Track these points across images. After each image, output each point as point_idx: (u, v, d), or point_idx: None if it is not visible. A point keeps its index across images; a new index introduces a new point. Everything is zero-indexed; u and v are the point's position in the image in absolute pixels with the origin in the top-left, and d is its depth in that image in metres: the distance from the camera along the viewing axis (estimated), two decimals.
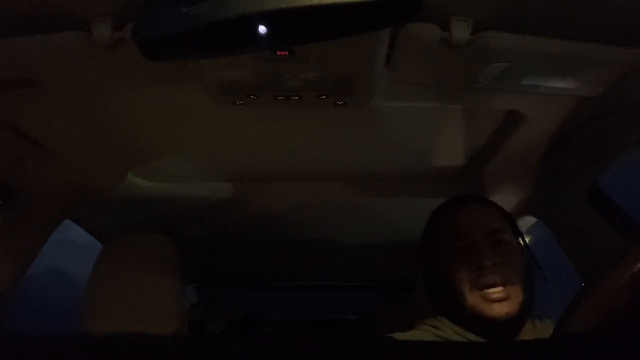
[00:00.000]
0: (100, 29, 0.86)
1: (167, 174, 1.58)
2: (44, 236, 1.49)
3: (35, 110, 1.14)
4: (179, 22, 0.71)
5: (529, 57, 0.93)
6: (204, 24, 0.70)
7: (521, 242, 1.17)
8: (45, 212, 1.46)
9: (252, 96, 1.06)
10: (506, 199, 1.59)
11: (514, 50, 0.91)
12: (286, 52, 0.91)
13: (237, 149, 1.45)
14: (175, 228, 1.67)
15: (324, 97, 1.06)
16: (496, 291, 1.05)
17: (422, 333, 1.12)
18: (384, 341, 0.97)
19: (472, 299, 1.07)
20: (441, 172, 1.56)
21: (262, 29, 0.71)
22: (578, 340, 0.69)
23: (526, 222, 1.70)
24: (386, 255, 2.16)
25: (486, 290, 1.05)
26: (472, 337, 1.08)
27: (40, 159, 1.29)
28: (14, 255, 1.39)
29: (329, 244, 2.12)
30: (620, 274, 0.78)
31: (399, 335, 1.10)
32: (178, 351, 0.58)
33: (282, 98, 1.06)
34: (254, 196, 1.69)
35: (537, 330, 1.12)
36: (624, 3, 0.86)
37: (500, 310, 1.05)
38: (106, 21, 0.85)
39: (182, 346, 0.60)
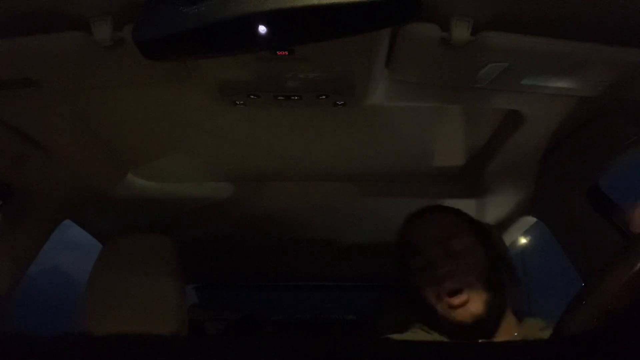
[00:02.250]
0: (100, 29, 0.86)
1: (167, 174, 1.58)
2: (44, 236, 1.49)
3: (35, 110, 1.14)
4: (179, 22, 0.71)
5: (529, 57, 0.93)
6: (204, 24, 0.70)
7: (484, 243, 1.19)
8: (45, 212, 1.46)
9: (252, 96, 1.06)
10: (506, 199, 1.59)
11: (514, 50, 0.91)
12: (286, 52, 0.91)
13: (237, 149, 1.45)
14: (175, 228, 1.66)
15: (324, 97, 1.06)
16: (457, 298, 1.09)
17: (415, 335, 1.13)
18: (382, 342, 0.97)
19: (440, 308, 1.12)
20: (441, 172, 1.56)
21: (262, 29, 0.71)
22: (578, 340, 0.69)
23: (526, 222, 1.70)
24: (386, 255, 2.16)
25: (448, 298, 1.09)
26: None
27: (40, 159, 1.29)
28: (14, 255, 1.39)
29: (329, 244, 2.12)
30: (620, 274, 0.78)
31: (396, 337, 1.11)
32: (178, 351, 0.58)
33: (282, 98, 1.06)
34: (254, 196, 1.69)
35: (524, 328, 1.13)
36: (624, 3, 0.86)
37: (465, 314, 1.08)
38: (106, 21, 0.85)
39: (182, 346, 0.60)
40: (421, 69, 1.00)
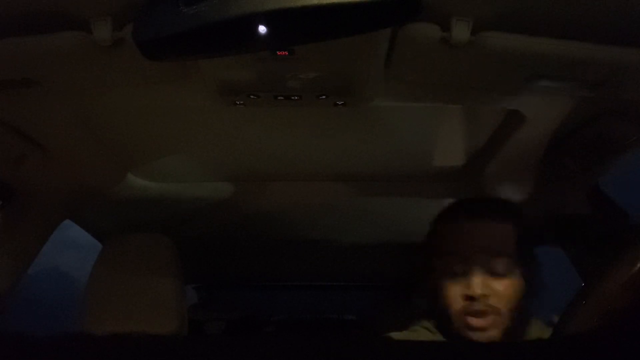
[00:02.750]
0: (100, 29, 0.85)
1: (167, 174, 1.58)
2: (44, 236, 1.49)
3: (35, 110, 1.14)
4: (179, 22, 0.71)
5: (529, 57, 0.93)
6: (204, 24, 0.70)
7: (525, 263, 1.10)
8: (45, 212, 1.46)
9: (252, 96, 1.06)
10: (506, 199, 1.59)
11: (514, 50, 0.91)
12: (286, 52, 0.91)
13: (237, 149, 1.45)
14: (175, 228, 1.67)
15: (324, 97, 1.05)
16: (479, 320, 1.04)
17: (416, 334, 1.12)
18: (382, 341, 0.97)
19: (458, 321, 1.06)
20: (441, 172, 1.56)
21: (262, 29, 0.71)
22: (578, 340, 0.69)
23: None
24: (386, 255, 2.16)
25: (470, 318, 1.05)
26: None
27: (40, 159, 1.29)
28: (14, 255, 1.39)
29: (329, 244, 2.12)
30: (620, 274, 0.78)
31: (395, 336, 1.10)
32: (178, 351, 0.58)
33: (282, 98, 1.06)
34: (254, 196, 1.69)
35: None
36: (624, 3, 0.86)
37: (479, 337, 1.04)
38: (106, 21, 0.85)
39: (182, 346, 0.60)
40: (421, 69, 1.00)
